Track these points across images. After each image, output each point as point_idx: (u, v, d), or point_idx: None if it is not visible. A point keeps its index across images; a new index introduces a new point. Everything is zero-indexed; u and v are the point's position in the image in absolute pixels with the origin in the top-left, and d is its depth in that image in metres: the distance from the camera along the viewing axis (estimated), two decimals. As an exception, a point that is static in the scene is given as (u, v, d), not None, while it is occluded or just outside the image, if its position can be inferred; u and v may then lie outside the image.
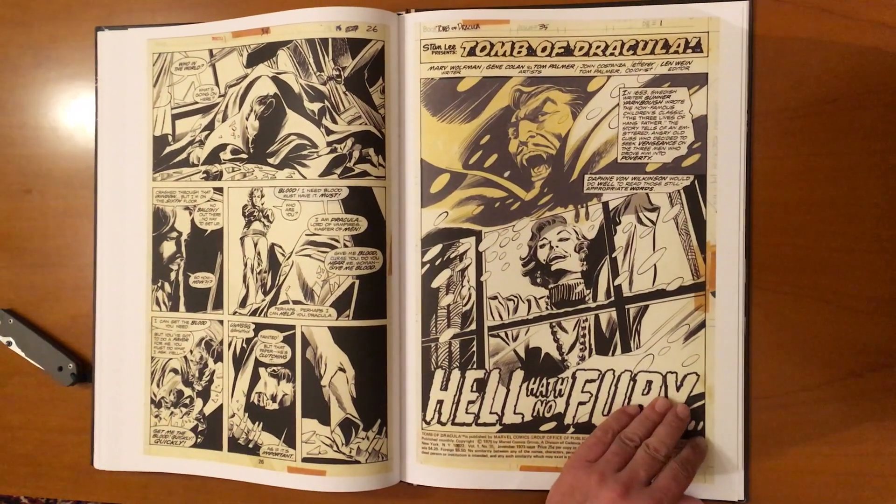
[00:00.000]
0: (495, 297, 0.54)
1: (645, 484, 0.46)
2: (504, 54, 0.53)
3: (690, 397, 0.52)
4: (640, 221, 0.52)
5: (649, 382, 0.52)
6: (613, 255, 0.53)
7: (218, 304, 0.57)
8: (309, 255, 0.54)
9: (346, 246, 0.53)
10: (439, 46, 0.53)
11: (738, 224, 0.51)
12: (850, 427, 0.51)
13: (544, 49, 0.53)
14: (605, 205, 0.53)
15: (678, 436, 0.50)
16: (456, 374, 0.54)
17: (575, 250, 0.53)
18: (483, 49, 0.53)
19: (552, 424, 0.54)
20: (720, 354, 0.52)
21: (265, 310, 0.55)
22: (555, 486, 0.49)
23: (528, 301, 0.53)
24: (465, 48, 0.53)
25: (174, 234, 0.58)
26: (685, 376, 0.52)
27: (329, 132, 0.53)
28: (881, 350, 0.51)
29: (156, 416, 0.58)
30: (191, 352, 0.57)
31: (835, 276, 0.51)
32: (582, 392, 0.53)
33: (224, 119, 0.57)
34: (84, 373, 0.60)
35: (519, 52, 0.53)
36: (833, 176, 0.51)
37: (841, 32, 0.51)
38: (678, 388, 0.52)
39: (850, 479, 0.51)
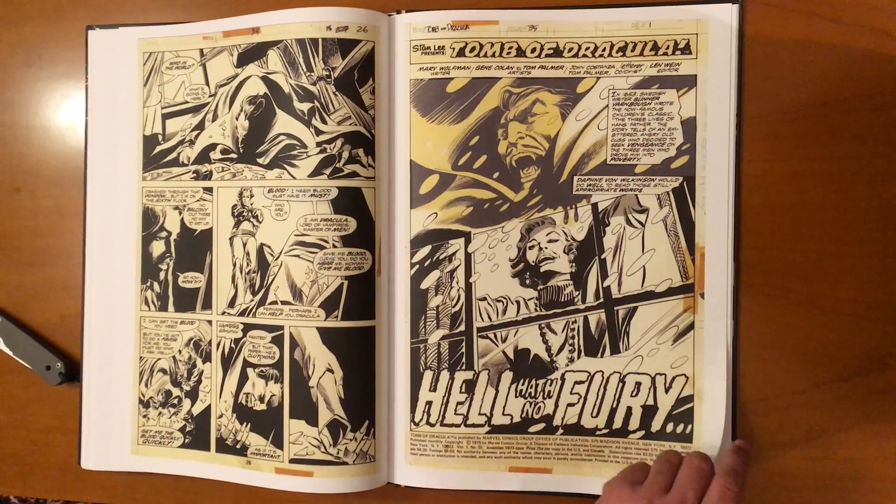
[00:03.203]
0: (484, 299, 0.54)
1: None
2: (493, 55, 0.53)
3: (679, 399, 0.52)
4: (628, 223, 0.52)
5: (638, 384, 0.52)
6: (602, 257, 0.53)
7: (207, 304, 0.57)
8: (298, 256, 0.54)
9: (335, 246, 0.53)
10: (429, 47, 0.53)
11: (726, 226, 0.51)
12: (837, 431, 0.51)
13: (534, 50, 0.53)
14: (595, 206, 0.53)
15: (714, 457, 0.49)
16: (445, 375, 0.54)
17: (564, 252, 0.53)
18: (472, 50, 0.53)
19: (541, 426, 0.53)
20: (709, 356, 0.52)
21: (254, 310, 0.55)
22: None
23: (517, 302, 0.53)
24: (454, 49, 0.53)
25: (163, 234, 0.58)
26: (674, 378, 0.52)
27: (318, 132, 0.53)
28: (869, 354, 0.51)
29: (144, 417, 0.58)
30: (179, 352, 0.57)
31: (823, 280, 0.51)
32: (571, 394, 0.53)
33: (214, 119, 0.56)
34: (72, 372, 0.59)
35: (508, 53, 0.53)
36: (822, 179, 0.51)
37: (830, 36, 0.51)
38: (667, 391, 0.52)
39: (838, 482, 0.51)
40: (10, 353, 0.60)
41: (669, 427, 0.52)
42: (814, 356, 0.52)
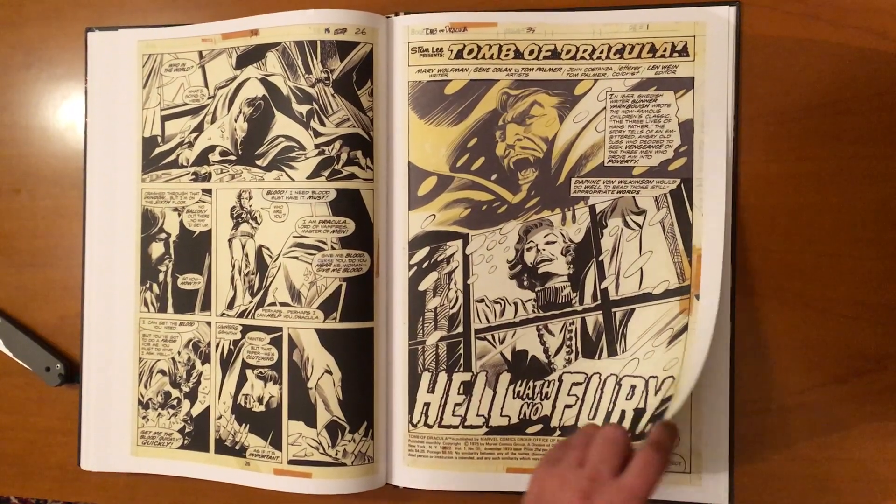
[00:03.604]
0: (482, 300, 0.54)
1: (612, 478, 0.40)
2: (491, 57, 0.53)
3: (662, 401, 0.51)
4: (626, 225, 0.52)
5: (633, 387, 0.52)
6: (600, 259, 0.53)
7: (206, 306, 0.57)
8: (296, 257, 0.54)
9: (333, 248, 0.53)
10: (427, 49, 0.53)
11: (723, 228, 0.51)
12: (834, 432, 0.51)
13: (531, 52, 0.53)
14: (592, 208, 0.53)
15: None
16: (443, 376, 0.54)
17: (562, 253, 0.53)
18: (470, 52, 0.53)
19: (538, 427, 0.53)
20: (697, 359, 0.51)
21: (252, 311, 0.55)
22: (525, 497, 0.44)
23: (515, 304, 0.53)
24: (452, 51, 0.53)
25: (163, 236, 0.58)
26: (664, 381, 0.52)
27: (317, 134, 0.53)
28: (866, 355, 0.51)
29: (143, 418, 0.58)
30: (178, 353, 0.57)
31: (820, 281, 0.51)
32: (568, 395, 0.53)
33: (213, 121, 0.57)
34: (72, 373, 0.60)
35: (506, 55, 0.53)
36: (819, 181, 0.52)
37: (828, 38, 0.51)
38: (655, 393, 0.52)
39: (834, 484, 0.51)
40: (10, 354, 0.60)
41: (648, 428, 0.51)
42: (811, 358, 0.52)
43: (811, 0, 0.51)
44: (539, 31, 0.53)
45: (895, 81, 0.51)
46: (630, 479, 0.40)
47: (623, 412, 0.52)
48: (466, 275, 0.54)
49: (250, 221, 0.55)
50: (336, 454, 0.53)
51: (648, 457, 0.41)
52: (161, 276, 0.58)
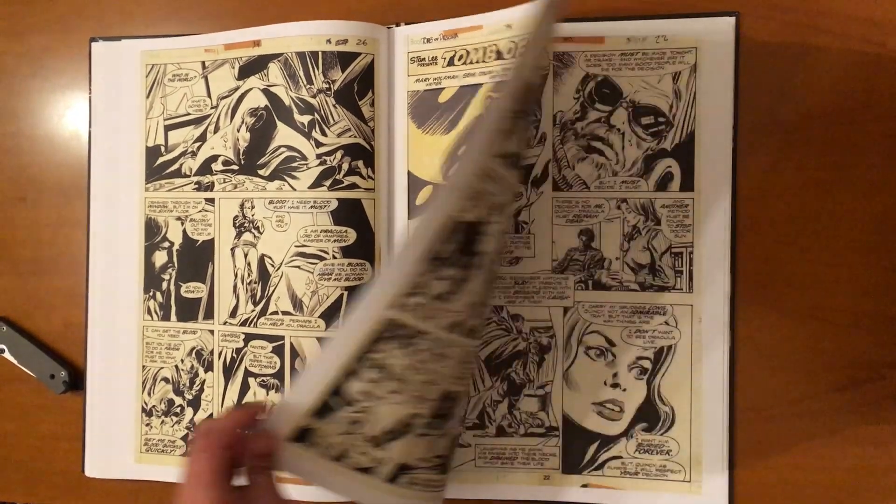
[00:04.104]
0: (482, 309, 0.54)
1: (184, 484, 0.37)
2: (477, 61, 0.53)
3: None
4: None
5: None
6: None
7: (209, 314, 0.57)
8: (298, 267, 0.54)
9: (334, 257, 0.54)
10: (424, 58, 0.54)
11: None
12: (832, 441, 0.52)
13: (510, 50, 0.52)
14: None
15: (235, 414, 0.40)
16: (443, 384, 0.54)
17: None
18: (460, 58, 0.53)
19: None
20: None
21: (255, 320, 0.56)
22: None
23: (515, 313, 0.54)
24: (445, 59, 0.53)
25: (166, 244, 0.58)
26: None
27: (319, 144, 0.54)
28: (864, 364, 0.51)
29: (147, 425, 0.58)
30: (182, 361, 0.58)
31: (819, 290, 0.52)
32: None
33: (216, 130, 0.57)
34: (76, 381, 0.60)
35: (489, 57, 0.53)
36: (818, 190, 0.52)
37: (827, 49, 0.51)
38: None
39: (833, 492, 0.52)
40: (15, 361, 0.61)
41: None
42: (810, 366, 0.52)
43: (810, 10, 0.52)
44: (516, 26, 0.52)
45: (893, 91, 0.51)
46: (183, 483, 0.37)
47: None
48: (467, 283, 0.54)
49: (252, 231, 0.56)
50: (337, 462, 0.53)
51: (190, 458, 0.38)
52: (164, 285, 0.58)
